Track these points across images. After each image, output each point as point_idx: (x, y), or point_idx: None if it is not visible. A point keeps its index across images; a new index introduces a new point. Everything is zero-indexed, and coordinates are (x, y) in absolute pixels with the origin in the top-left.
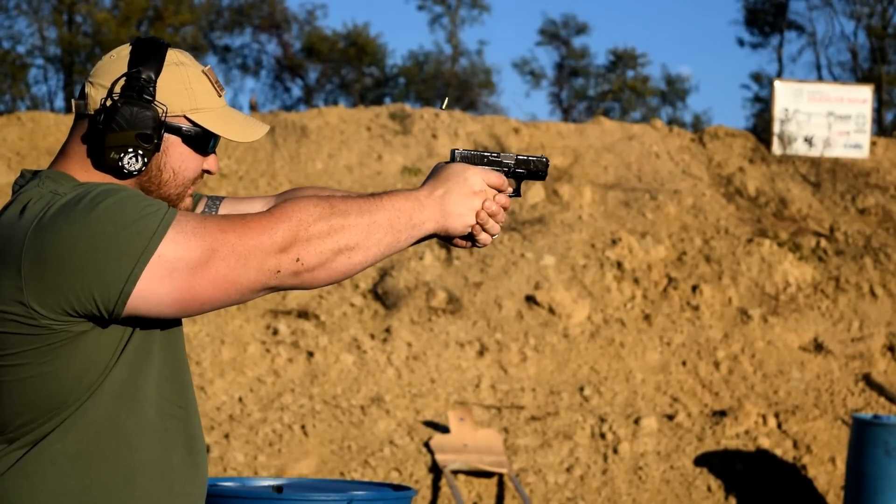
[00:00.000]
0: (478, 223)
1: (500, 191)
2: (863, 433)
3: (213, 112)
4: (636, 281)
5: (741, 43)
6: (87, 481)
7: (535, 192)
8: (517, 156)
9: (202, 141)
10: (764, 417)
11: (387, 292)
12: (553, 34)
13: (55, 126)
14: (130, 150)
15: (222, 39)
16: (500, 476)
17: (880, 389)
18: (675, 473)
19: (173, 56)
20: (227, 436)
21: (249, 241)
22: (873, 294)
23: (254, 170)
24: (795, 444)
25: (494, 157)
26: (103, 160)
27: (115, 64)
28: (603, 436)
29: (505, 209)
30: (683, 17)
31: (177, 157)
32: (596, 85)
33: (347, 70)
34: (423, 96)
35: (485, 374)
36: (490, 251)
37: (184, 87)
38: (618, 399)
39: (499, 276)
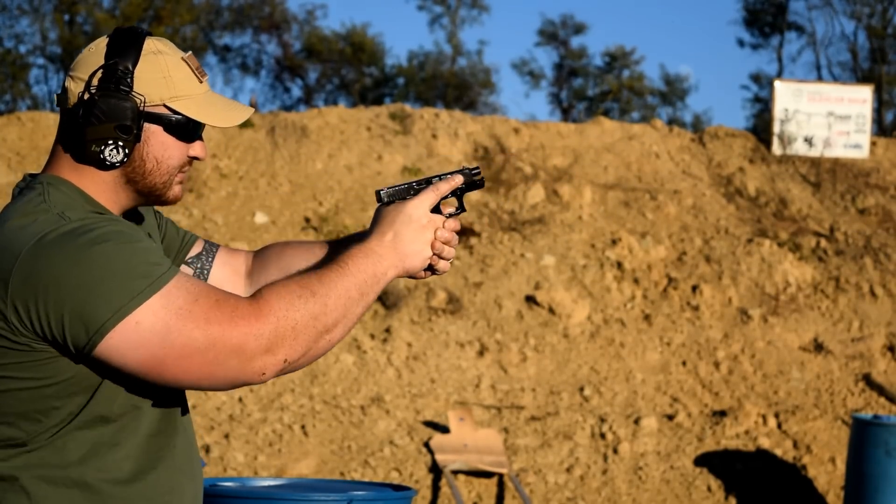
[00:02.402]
0: (434, 254)
1: (440, 211)
2: (863, 433)
3: (193, 99)
4: (636, 281)
5: (741, 43)
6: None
7: (535, 192)
8: (441, 175)
9: (184, 128)
10: (764, 417)
11: (387, 292)
12: (552, 34)
13: (55, 126)
14: (111, 141)
15: (222, 39)
16: (500, 476)
17: (880, 389)
18: (675, 473)
19: (151, 45)
20: (227, 436)
21: (234, 339)
22: (873, 294)
23: (254, 170)
24: (795, 445)
25: (421, 184)
26: (84, 154)
27: (92, 56)
28: (603, 436)
29: (456, 231)
30: (682, 17)
31: (159, 147)
32: (595, 85)
33: (347, 70)
34: (423, 96)
35: (485, 375)
36: (490, 251)
37: (162, 75)
38: (618, 399)
39: (499, 277)
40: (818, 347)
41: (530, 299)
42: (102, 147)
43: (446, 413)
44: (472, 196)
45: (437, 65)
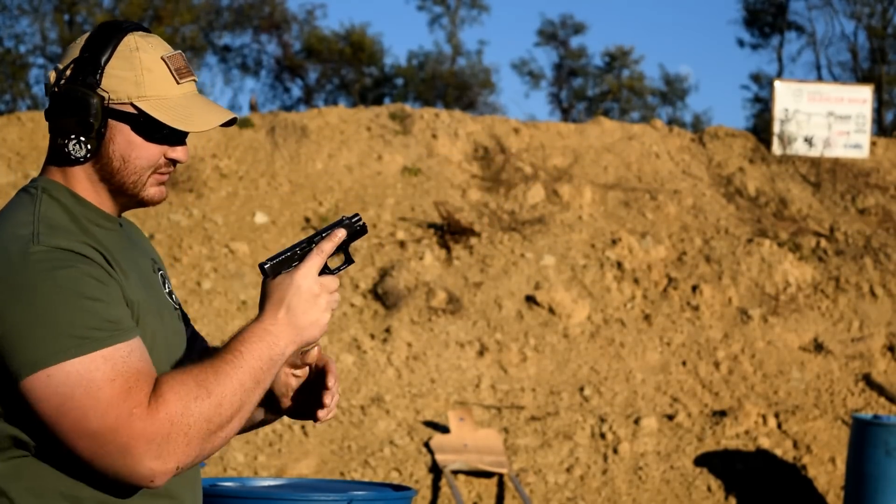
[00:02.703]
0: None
1: (328, 268)
2: (863, 433)
3: (162, 100)
4: (636, 281)
5: (741, 43)
6: None
7: (535, 192)
8: (322, 232)
9: (152, 129)
10: (764, 417)
11: (387, 292)
12: (551, 35)
13: None
14: (73, 136)
15: (222, 39)
16: (500, 476)
17: (880, 389)
18: (675, 473)
19: (131, 41)
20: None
21: (125, 438)
22: (873, 294)
23: (254, 170)
24: (795, 445)
25: (304, 246)
26: (53, 146)
27: (73, 49)
28: (603, 436)
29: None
30: (682, 17)
31: (125, 145)
32: (594, 85)
33: (347, 70)
34: (423, 96)
35: (485, 374)
36: (490, 251)
37: (134, 73)
38: (618, 399)
39: (499, 277)
40: (818, 347)
41: (530, 299)
42: (66, 141)
43: (446, 413)
44: (472, 196)
45: (436, 65)
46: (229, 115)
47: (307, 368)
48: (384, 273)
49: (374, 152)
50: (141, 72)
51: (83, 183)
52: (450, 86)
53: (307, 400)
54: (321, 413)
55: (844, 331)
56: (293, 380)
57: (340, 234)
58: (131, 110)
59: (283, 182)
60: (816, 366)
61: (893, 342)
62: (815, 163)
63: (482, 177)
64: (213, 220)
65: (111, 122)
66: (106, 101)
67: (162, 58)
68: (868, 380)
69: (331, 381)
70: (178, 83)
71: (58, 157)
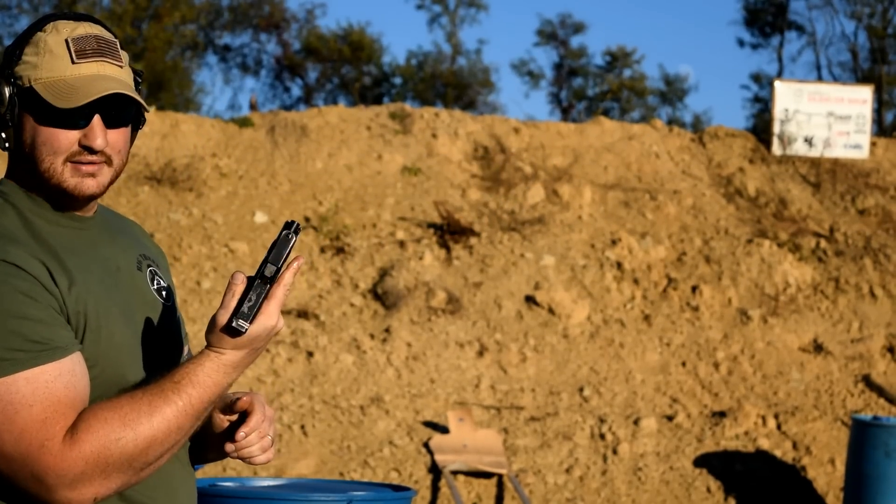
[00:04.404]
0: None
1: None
2: (862, 434)
3: (53, 81)
4: (636, 281)
5: (741, 43)
6: None
7: (534, 192)
8: (277, 265)
9: (42, 111)
10: (763, 418)
11: (386, 292)
12: (551, 34)
13: None
14: None
15: (222, 39)
16: (500, 476)
17: (880, 391)
18: (675, 474)
19: (51, 26)
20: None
21: (36, 467)
22: (873, 295)
23: (253, 169)
24: (795, 446)
25: (262, 286)
26: None
27: None
28: (602, 436)
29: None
30: (682, 17)
31: (30, 131)
32: (594, 85)
33: (347, 69)
34: (422, 96)
35: (484, 375)
36: (490, 251)
37: (37, 56)
38: (617, 400)
39: (498, 277)
40: (818, 348)
41: (530, 299)
42: None
43: (446, 413)
44: (472, 195)
45: (436, 64)
46: (111, 90)
47: (236, 415)
48: (384, 273)
49: (374, 152)
50: (43, 55)
51: (30, 176)
52: (449, 85)
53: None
54: (228, 446)
55: (844, 332)
56: (225, 423)
57: (300, 261)
58: (29, 94)
59: (283, 181)
60: (816, 367)
61: (893, 343)
62: (815, 163)
63: (482, 176)
64: (212, 219)
65: (23, 112)
66: (14, 89)
67: (66, 39)
68: (868, 381)
69: (252, 420)
70: (73, 62)
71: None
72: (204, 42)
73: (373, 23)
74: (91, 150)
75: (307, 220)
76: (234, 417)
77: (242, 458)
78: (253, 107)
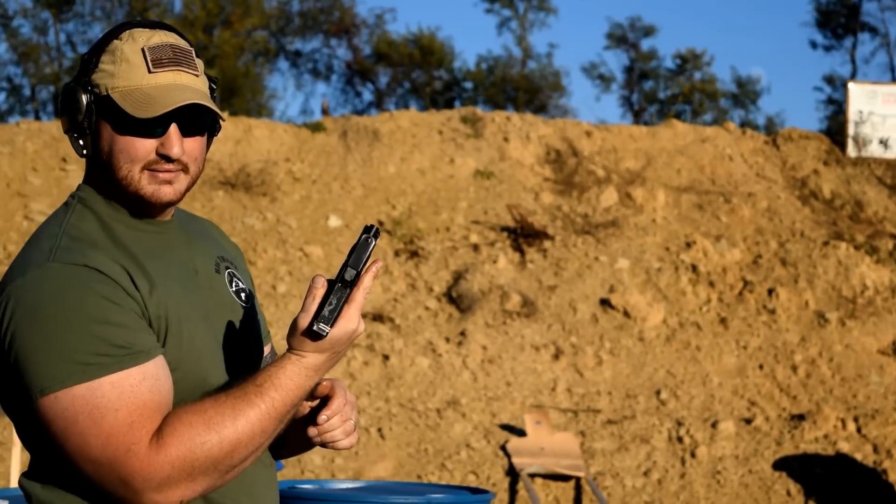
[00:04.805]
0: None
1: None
2: None
3: (130, 90)
4: (711, 284)
5: (813, 45)
6: None
7: (608, 195)
8: (357, 270)
9: (121, 119)
10: (843, 421)
11: (461, 296)
12: (621, 37)
13: None
14: (68, 133)
15: (293, 45)
16: (577, 479)
17: None
18: (754, 478)
19: (127, 34)
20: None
21: (123, 471)
22: None
23: (327, 173)
24: (875, 449)
25: (343, 290)
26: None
27: None
28: (680, 439)
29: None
30: (753, 19)
31: (107, 139)
32: (665, 88)
33: (417, 74)
34: (493, 100)
35: (560, 378)
36: (564, 254)
37: (114, 65)
38: (694, 403)
39: (573, 280)
40: None
41: (605, 302)
42: (70, 138)
43: (522, 416)
44: (545, 199)
45: (506, 68)
46: (190, 100)
47: (317, 400)
48: (458, 276)
49: (447, 156)
50: (119, 64)
51: (107, 182)
52: (520, 89)
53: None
54: (310, 430)
55: None
56: (307, 409)
57: (378, 265)
58: (107, 102)
59: (356, 185)
60: None
61: None
62: (891, 165)
63: (555, 180)
64: (287, 223)
65: (99, 118)
66: (92, 97)
67: (142, 48)
68: None
69: (334, 404)
70: (150, 72)
71: (85, 162)
72: (275, 48)
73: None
74: (168, 159)
75: (381, 223)
76: (316, 402)
77: (325, 444)
78: (325, 112)
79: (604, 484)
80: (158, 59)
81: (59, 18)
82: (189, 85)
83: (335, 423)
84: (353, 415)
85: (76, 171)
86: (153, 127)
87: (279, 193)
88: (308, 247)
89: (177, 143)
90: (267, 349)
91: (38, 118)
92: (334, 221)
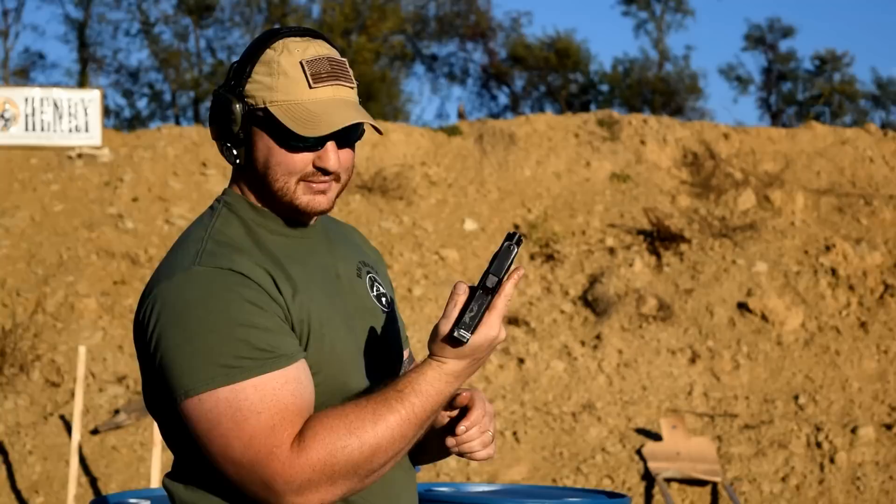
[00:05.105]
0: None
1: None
2: None
3: (291, 105)
4: (851, 288)
5: None
6: None
7: (745, 197)
8: (498, 276)
9: (282, 134)
10: None
11: (597, 299)
12: (759, 39)
13: None
14: (222, 141)
15: (429, 49)
16: (714, 485)
17: None
18: (895, 484)
19: (279, 45)
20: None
21: (265, 474)
22: None
23: (462, 177)
24: None
25: (487, 291)
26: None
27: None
28: (819, 445)
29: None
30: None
31: (265, 151)
32: (804, 89)
33: (553, 77)
34: (629, 102)
35: (697, 382)
36: (701, 258)
37: (271, 77)
38: (834, 408)
39: (710, 283)
40: None
41: (742, 306)
42: (221, 146)
43: (658, 420)
44: (682, 202)
45: (643, 70)
46: (355, 119)
47: (457, 410)
48: (594, 280)
49: (583, 159)
50: (277, 76)
51: (254, 189)
52: (656, 92)
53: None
54: (448, 441)
55: None
56: (445, 419)
57: (520, 272)
58: (265, 115)
59: (492, 189)
60: None
61: None
62: None
63: (692, 183)
64: (423, 227)
65: (254, 128)
66: (247, 108)
67: (301, 62)
68: None
69: (473, 415)
70: (311, 87)
71: (232, 167)
72: (411, 52)
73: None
74: (325, 172)
75: (516, 227)
76: (455, 413)
77: (463, 454)
78: (461, 115)
79: (740, 489)
80: (318, 74)
81: (199, 25)
82: (348, 99)
83: (473, 434)
84: (491, 426)
85: (216, 176)
86: (313, 143)
87: (415, 197)
88: (444, 250)
89: (333, 156)
90: (405, 354)
91: (178, 123)
92: (470, 225)
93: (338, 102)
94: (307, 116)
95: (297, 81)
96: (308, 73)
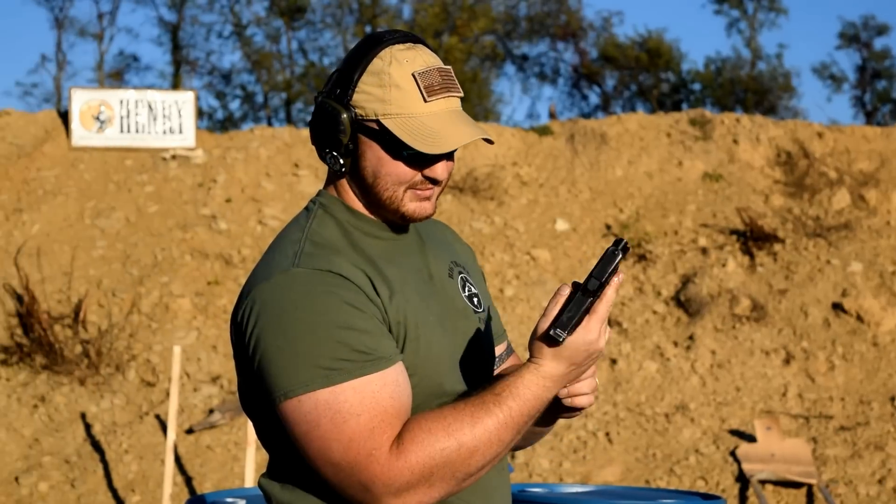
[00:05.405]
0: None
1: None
2: None
3: (405, 118)
4: None
5: None
6: None
7: (840, 197)
8: (600, 280)
9: (396, 147)
10: None
11: (689, 299)
12: (853, 37)
13: None
14: (328, 150)
15: (520, 49)
16: (809, 487)
17: None
18: None
19: (386, 55)
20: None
21: (364, 476)
22: None
23: (554, 177)
24: None
25: (586, 293)
26: (321, 156)
27: (342, 59)
28: None
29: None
30: None
31: (375, 161)
32: None
33: (644, 76)
34: (721, 102)
35: (791, 383)
36: (795, 258)
37: (382, 89)
38: None
39: (804, 283)
40: None
41: (837, 307)
42: (325, 153)
43: (752, 422)
44: (775, 201)
45: (735, 69)
46: (475, 136)
47: None
48: (686, 280)
49: (675, 158)
50: (389, 88)
51: (355, 194)
52: (749, 90)
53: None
54: (560, 391)
55: None
56: None
57: (620, 278)
58: (378, 128)
59: (584, 189)
60: None
61: None
62: None
63: (785, 182)
64: (514, 227)
65: (362, 137)
66: (355, 117)
67: (413, 74)
68: None
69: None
70: (425, 101)
71: (329, 170)
72: (502, 52)
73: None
74: (433, 181)
75: (608, 227)
76: None
77: (566, 412)
78: (552, 115)
79: (836, 492)
80: (430, 86)
81: (290, 27)
82: (460, 111)
83: (584, 385)
84: (593, 372)
85: (308, 177)
86: (431, 158)
87: (507, 197)
88: (535, 250)
89: (443, 167)
90: (501, 348)
91: (270, 124)
92: (561, 225)
93: (451, 115)
94: (426, 132)
95: (410, 95)
96: (421, 85)
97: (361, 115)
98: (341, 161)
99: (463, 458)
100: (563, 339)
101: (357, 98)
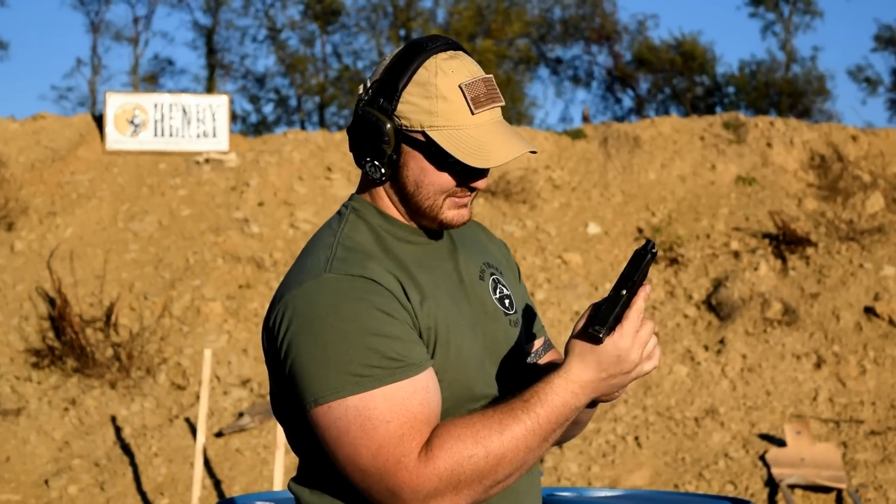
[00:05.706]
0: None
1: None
2: None
3: (454, 130)
4: None
5: None
6: None
7: (874, 200)
8: (628, 282)
9: (440, 158)
10: None
11: (721, 303)
12: (888, 39)
13: None
14: (369, 158)
15: (554, 52)
16: (839, 492)
17: None
18: None
19: (431, 65)
20: (560, 445)
21: (392, 483)
22: None
23: (587, 181)
24: None
25: (620, 300)
26: (358, 163)
27: (381, 66)
28: None
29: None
30: None
31: (418, 171)
32: None
33: (678, 80)
34: (756, 105)
35: (822, 387)
36: (827, 261)
37: (428, 100)
38: None
39: (836, 287)
40: None
41: (869, 311)
42: (365, 161)
43: (782, 426)
44: (809, 205)
45: (769, 73)
46: (523, 150)
47: None
48: (718, 284)
49: (708, 162)
50: (435, 100)
51: (390, 200)
52: (783, 94)
53: None
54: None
55: None
56: None
57: (647, 288)
58: (423, 139)
59: (616, 192)
60: None
61: None
62: None
63: (819, 185)
64: (546, 230)
65: (405, 147)
66: (399, 128)
67: (459, 85)
68: None
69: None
70: (473, 113)
71: (364, 175)
72: (536, 55)
73: (704, 32)
74: (473, 189)
75: (640, 230)
76: None
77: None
78: (586, 119)
79: (866, 496)
80: (477, 98)
81: (325, 30)
82: (504, 121)
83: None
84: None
85: (341, 180)
86: (479, 170)
87: (539, 201)
88: (567, 254)
89: (484, 177)
90: (539, 343)
91: (303, 128)
92: (593, 228)
93: (497, 127)
94: (473, 145)
95: (458, 107)
96: (468, 97)
97: (406, 126)
98: (382, 171)
99: (490, 465)
100: (603, 336)
101: (402, 108)
